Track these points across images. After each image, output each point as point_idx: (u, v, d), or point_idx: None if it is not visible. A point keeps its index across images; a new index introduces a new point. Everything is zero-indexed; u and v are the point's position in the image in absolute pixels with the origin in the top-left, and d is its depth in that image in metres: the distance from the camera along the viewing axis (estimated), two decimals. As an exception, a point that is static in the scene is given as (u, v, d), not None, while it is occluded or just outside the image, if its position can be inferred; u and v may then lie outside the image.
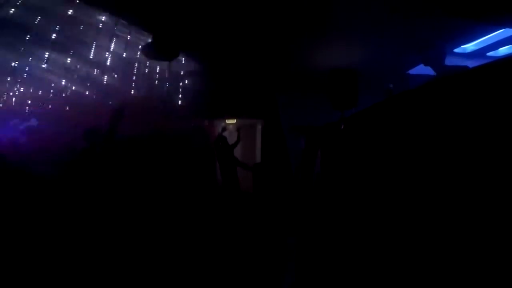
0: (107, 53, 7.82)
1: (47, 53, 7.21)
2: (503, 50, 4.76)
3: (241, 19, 4.41)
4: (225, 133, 6.55)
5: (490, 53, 4.86)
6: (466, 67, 2.36)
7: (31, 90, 7.27)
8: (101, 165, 3.16)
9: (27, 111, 7.10)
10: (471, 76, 0.99)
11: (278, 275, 2.86)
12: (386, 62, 5.17)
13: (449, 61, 2.69)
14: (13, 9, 6.35)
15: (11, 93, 7.15)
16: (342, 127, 2.15)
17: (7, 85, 7.04)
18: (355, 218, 1.81)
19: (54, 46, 7.16)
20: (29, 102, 7.27)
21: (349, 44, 4.92)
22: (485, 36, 4.58)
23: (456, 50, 4.84)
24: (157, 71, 8.57)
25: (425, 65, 2.85)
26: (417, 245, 1.17)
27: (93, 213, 2.89)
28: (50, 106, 7.35)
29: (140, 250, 2.88)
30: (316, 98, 5.10)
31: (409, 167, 1.27)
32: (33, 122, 6.39)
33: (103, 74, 7.95)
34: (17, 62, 6.90)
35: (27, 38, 6.80)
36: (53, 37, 7.01)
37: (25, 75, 7.15)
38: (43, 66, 7.17)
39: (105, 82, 8.03)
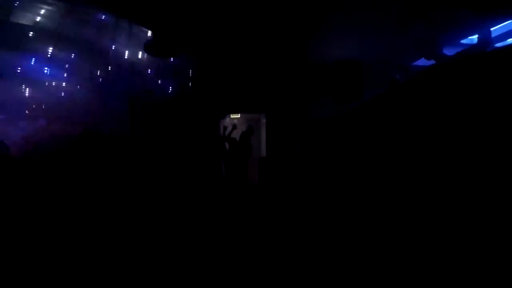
0: (109, 51, 7.84)
1: (50, 51, 7.26)
2: (512, 41, 4.68)
3: (246, 14, 4.41)
4: (231, 128, 6.57)
5: (498, 44, 4.78)
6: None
7: (36, 91, 7.36)
8: (105, 163, 3.20)
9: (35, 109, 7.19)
10: (472, 63, 1.00)
11: (285, 269, 2.89)
12: (391, 54, 5.13)
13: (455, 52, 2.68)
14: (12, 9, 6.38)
15: (19, 94, 7.25)
16: (347, 119, 2.16)
17: (14, 85, 7.13)
18: (363, 211, 1.82)
19: (56, 45, 7.21)
20: (38, 102, 7.37)
21: (353, 37, 4.89)
22: (493, 27, 4.50)
23: (463, 41, 4.77)
24: (159, 67, 8.60)
25: (427, 59, 2.83)
26: (427, 239, 1.18)
27: (98, 211, 2.94)
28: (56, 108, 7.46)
29: (147, 245, 2.94)
30: (321, 91, 5.09)
31: (415, 157, 1.29)
32: (42, 122, 6.49)
33: (105, 72, 7.99)
34: (21, 62, 6.96)
35: (29, 37, 6.83)
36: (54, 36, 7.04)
37: (29, 76, 7.23)
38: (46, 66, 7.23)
39: (106, 81, 8.07)
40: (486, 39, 2.42)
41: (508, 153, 0.84)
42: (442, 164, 1.11)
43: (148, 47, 5.05)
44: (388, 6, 3.95)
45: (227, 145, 5.99)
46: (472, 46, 2.53)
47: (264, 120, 7.72)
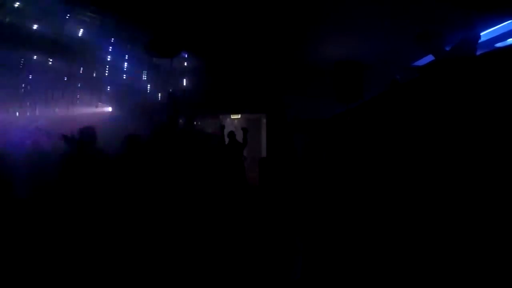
0: (109, 51, 7.84)
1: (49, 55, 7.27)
2: (512, 41, 4.68)
3: (245, 15, 4.41)
4: (230, 128, 6.57)
5: (498, 44, 4.77)
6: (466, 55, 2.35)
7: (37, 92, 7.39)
8: (100, 166, 3.19)
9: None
10: (473, 64, 1.00)
11: (284, 270, 2.89)
12: (391, 54, 5.12)
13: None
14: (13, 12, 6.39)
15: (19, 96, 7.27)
16: (348, 119, 2.16)
17: (15, 88, 7.14)
18: (362, 211, 1.82)
19: (56, 45, 7.21)
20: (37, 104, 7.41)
21: (354, 36, 4.88)
22: (493, 26, 4.50)
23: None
24: (160, 68, 8.60)
25: (427, 53, 2.80)
26: (424, 242, 1.17)
27: (97, 213, 2.94)
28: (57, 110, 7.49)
29: (146, 248, 2.93)
30: (321, 91, 5.08)
31: (416, 158, 1.28)
32: (41, 123, 6.50)
33: (105, 72, 8.00)
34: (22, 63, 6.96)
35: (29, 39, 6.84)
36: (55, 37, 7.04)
37: (30, 76, 7.24)
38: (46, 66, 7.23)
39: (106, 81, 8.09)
40: (475, 39, 2.43)
41: (509, 153, 0.84)
42: (442, 164, 1.11)
43: (147, 47, 5.05)
44: (388, 5, 3.96)
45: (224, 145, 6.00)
46: (461, 41, 2.52)
47: (264, 120, 7.73)
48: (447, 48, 2.68)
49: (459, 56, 2.50)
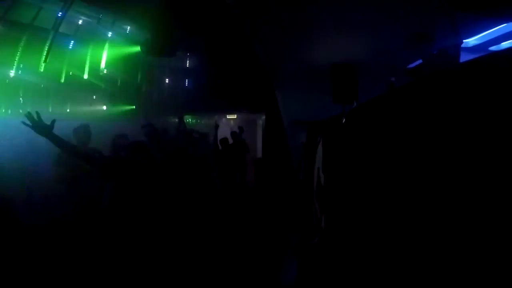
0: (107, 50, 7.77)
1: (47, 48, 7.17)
2: (506, 45, 4.73)
3: (242, 15, 4.40)
4: (227, 129, 6.56)
5: (492, 48, 4.83)
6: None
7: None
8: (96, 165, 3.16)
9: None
10: (470, 69, 1.00)
11: (279, 269, 2.89)
12: (387, 56, 5.14)
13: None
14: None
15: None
16: (344, 120, 2.16)
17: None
18: (358, 215, 1.82)
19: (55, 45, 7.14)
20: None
21: (349, 38, 4.90)
22: (487, 30, 4.55)
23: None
24: (157, 68, 8.54)
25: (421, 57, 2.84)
26: (420, 245, 1.17)
27: (92, 213, 2.91)
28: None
29: (141, 249, 2.91)
30: (317, 92, 5.09)
31: (413, 162, 1.28)
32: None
33: (104, 72, 7.94)
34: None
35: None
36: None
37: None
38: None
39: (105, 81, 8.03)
40: (458, 44, 2.49)
41: (507, 159, 0.83)
42: (440, 169, 1.11)
43: (144, 47, 5.02)
44: (384, 7, 3.98)
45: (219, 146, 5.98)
46: (446, 46, 2.56)
47: (260, 121, 7.74)
48: (434, 52, 2.72)
49: (444, 59, 2.54)
